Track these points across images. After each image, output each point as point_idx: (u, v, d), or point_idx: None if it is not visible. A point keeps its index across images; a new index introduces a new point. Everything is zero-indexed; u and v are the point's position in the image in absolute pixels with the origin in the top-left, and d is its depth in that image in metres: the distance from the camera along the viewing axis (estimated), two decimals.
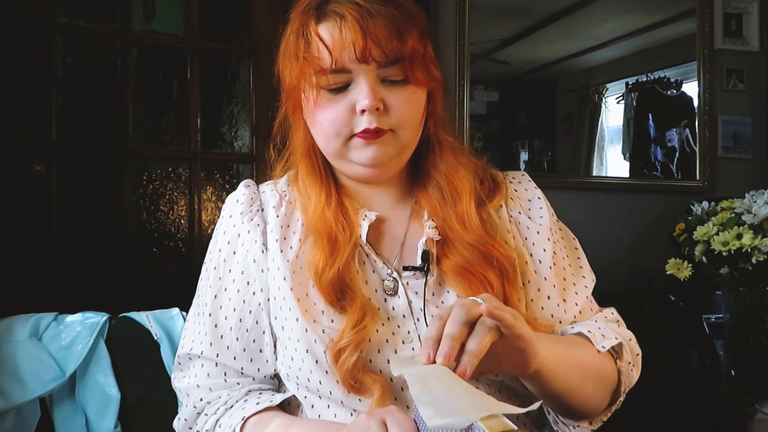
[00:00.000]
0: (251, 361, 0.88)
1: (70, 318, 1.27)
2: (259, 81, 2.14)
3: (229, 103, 2.20)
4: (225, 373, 0.89)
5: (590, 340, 0.82)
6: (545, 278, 0.88)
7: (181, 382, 0.93)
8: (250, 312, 0.89)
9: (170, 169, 2.10)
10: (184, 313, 1.31)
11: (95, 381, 1.22)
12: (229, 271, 0.91)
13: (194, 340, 0.91)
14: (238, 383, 0.89)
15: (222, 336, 0.89)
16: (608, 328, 0.87)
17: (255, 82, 2.15)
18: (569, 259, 0.93)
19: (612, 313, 0.93)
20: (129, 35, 2.01)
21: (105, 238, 2.04)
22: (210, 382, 0.89)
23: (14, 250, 1.81)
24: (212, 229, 2.07)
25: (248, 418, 0.84)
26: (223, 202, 2.33)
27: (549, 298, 0.87)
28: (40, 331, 1.24)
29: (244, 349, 0.88)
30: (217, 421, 0.87)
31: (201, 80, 2.08)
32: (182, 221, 2.10)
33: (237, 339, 0.88)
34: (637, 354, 0.88)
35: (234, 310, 0.89)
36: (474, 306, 0.68)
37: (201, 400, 0.89)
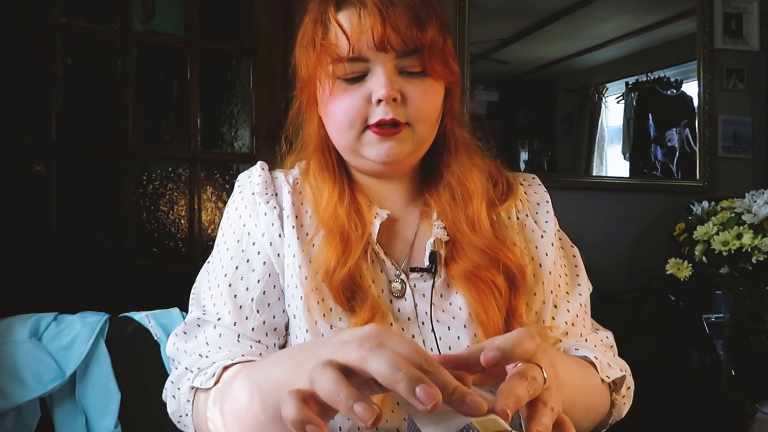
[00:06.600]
0: (267, 335, 0.84)
1: (70, 318, 1.27)
2: (259, 81, 2.14)
3: (229, 103, 2.20)
4: (239, 335, 0.83)
5: (596, 367, 0.80)
6: (543, 283, 0.86)
7: (182, 344, 0.86)
8: (274, 287, 0.85)
9: (170, 169, 2.10)
10: (185, 313, 1.31)
11: (95, 381, 1.22)
12: (253, 243, 0.87)
13: (206, 310, 0.86)
14: (251, 347, 0.82)
15: (241, 306, 0.84)
16: (610, 357, 0.85)
17: (255, 82, 2.15)
18: (566, 267, 0.92)
19: (607, 337, 0.91)
20: (129, 35, 2.01)
21: (105, 238, 2.04)
22: (221, 341, 0.82)
23: (14, 250, 1.81)
24: (212, 229, 2.09)
25: (230, 365, 0.77)
26: (223, 202, 2.32)
27: (544, 303, 0.86)
28: (40, 331, 1.24)
29: (264, 322, 0.84)
30: (201, 369, 0.80)
31: (201, 80, 2.08)
32: (182, 221, 2.10)
33: (258, 311, 0.84)
34: (629, 387, 0.86)
35: (258, 282, 0.85)
36: (540, 376, 0.60)
37: (201, 356, 0.82)
